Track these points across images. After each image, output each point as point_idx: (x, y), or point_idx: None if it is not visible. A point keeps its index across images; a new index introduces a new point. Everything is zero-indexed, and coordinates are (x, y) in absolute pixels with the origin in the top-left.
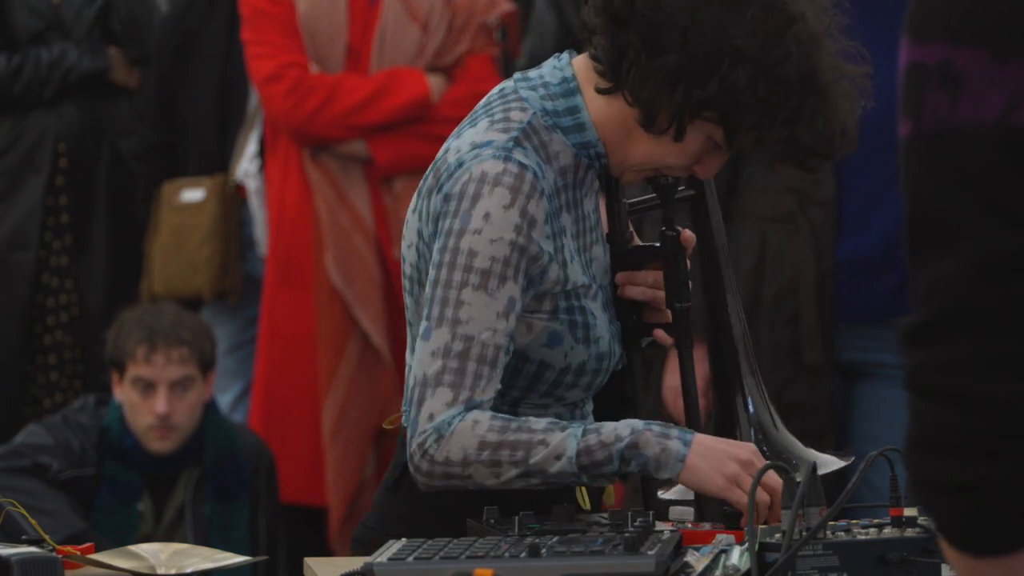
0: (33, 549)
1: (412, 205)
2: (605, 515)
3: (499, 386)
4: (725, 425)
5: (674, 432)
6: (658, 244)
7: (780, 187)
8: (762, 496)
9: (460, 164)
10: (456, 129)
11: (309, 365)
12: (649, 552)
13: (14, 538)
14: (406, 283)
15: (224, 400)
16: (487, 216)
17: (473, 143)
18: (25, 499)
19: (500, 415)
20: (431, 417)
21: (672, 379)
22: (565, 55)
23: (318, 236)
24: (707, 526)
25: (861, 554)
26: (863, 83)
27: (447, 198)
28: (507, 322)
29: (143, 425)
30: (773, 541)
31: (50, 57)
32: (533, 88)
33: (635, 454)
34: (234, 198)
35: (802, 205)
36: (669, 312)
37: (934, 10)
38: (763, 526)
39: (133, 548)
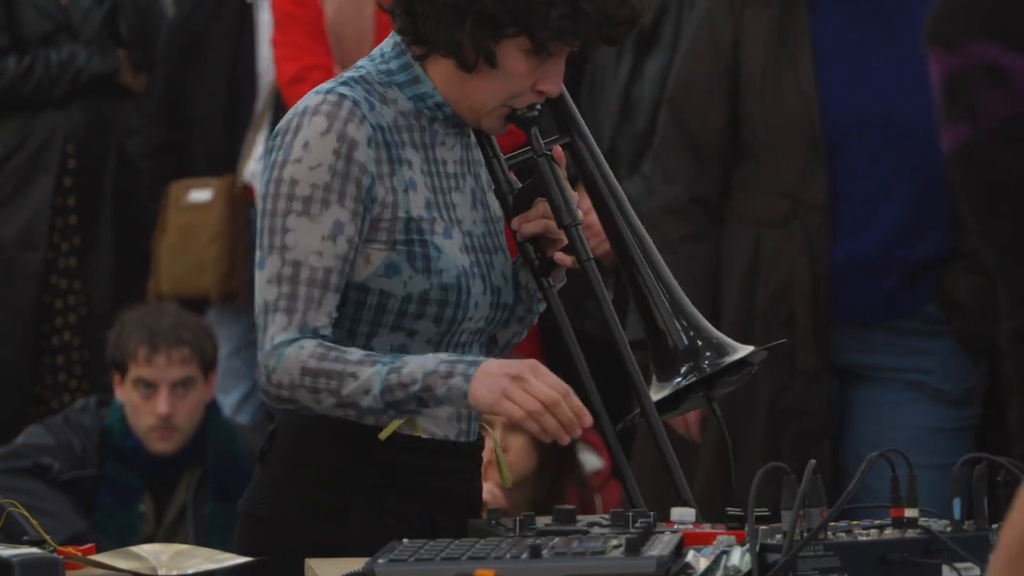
0: (34, 550)
1: None
2: (607, 516)
3: (333, 309)
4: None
5: (459, 367)
6: (527, 181)
7: (774, 190)
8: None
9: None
10: None
11: None
12: (650, 553)
13: (15, 539)
14: None
15: (229, 401)
16: (306, 145)
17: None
18: (26, 500)
19: (326, 343)
20: (272, 341)
21: None
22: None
23: None
24: (708, 527)
25: (862, 555)
26: None
27: (275, 135)
28: (334, 244)
29: (144, 426)
30: (774, 542)
31: (59, 58)
32: (371, 59)
33: (430, 395)
34: (242, 199)
35: (796, 208)
36: (563, 238)
37: (959, 15)
38: (764, 527)
39: (134, 549)
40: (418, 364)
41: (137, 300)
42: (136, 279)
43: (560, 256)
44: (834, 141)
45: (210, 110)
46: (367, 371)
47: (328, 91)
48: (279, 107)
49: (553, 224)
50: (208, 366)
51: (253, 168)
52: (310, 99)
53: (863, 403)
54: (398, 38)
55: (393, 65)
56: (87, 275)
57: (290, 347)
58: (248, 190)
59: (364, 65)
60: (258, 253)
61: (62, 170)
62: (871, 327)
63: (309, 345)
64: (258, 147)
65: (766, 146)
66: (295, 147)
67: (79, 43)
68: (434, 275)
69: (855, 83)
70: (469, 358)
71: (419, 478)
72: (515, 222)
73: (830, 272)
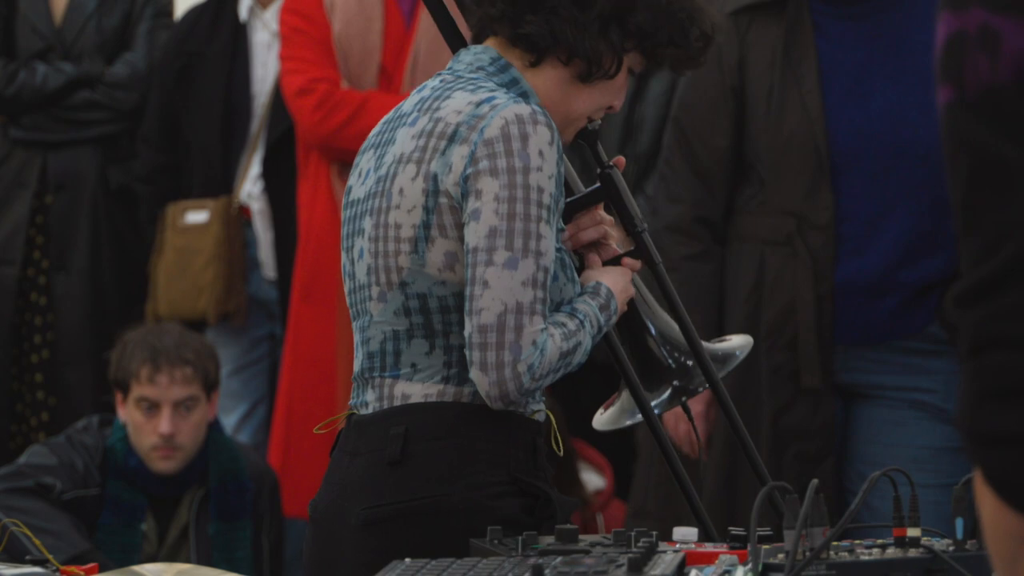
0: (37, 569)
1: (411, 174)
2: (609, 536)
3: None
4: (639, 346)
5: (588, 291)
6: (587, 190)
7: (778, 210)
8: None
9: (478, 116)
10: (406, 119)
11: (331, 380)
12: (653, 573)
13: (18, 558)
14: (405, 246)
15: (229, 421)
16: (541, 153)
17: (472, 102)
18: (29, 519)
19: (551, 321)
20: (534, 342)
21: None
22: (471, 47)
23: None
24: (711, 546)
25: (864, 574)
26: None
27: (487, 143)
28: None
29: (147, 445)
30: (776, 562)
31: (46, 70)
32: (473, 71)
33: (605, 314)
34: (238, 220)
35: (800, 228)
36: (613, 245)
37: None
38: (766, 547)
39: (136, 568)
40: (587, 303)
41: (133, 322)
42: (117, 300)
43: (630, 262)
44: (838, 160)
45: (206, 132)
46: (583, 335)
47: (523, 102)
48: (273, 128)
49: (607, 230)
50: (210, 386)
51: (249, 189)
52: (516, 108)
53: (866, 422)
54: (494, 52)
55: (503, 79)
56: (57, 293)
57: (545, 340)
58: (244, 211)
59: (479, 78)
60: (506, 253)
61: (42, 187)
62: (874, 346)
63: (552, 331)
64: (253, 168)
65: (771, 165)
66: (531, 155)
67: (70, 62)
68: (576, 284)
69: (859, 102)
70: (585, 289)
71: (542, 455)
72: (569, 230)
73: (833, 292)
